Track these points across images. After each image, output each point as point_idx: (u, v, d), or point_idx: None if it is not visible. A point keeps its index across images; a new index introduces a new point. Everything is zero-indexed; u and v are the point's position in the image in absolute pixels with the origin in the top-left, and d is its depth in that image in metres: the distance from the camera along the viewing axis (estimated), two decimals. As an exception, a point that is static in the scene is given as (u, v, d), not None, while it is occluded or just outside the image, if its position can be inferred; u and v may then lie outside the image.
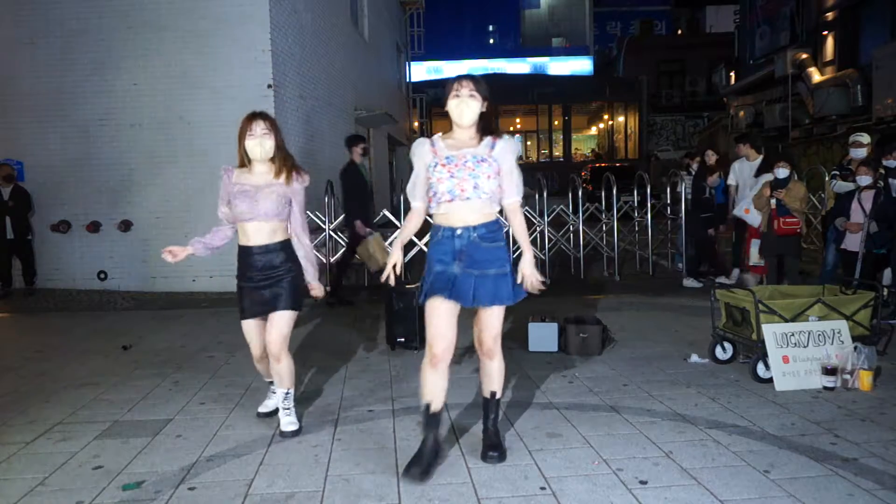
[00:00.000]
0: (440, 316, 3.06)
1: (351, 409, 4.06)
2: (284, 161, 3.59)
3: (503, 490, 2.92)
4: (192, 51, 8.58)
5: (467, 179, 3.00)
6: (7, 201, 8.46)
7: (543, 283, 3.13)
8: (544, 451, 3.33)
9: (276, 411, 3.83)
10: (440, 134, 3.19)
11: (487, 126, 3.13)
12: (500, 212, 3.16)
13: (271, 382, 3.88)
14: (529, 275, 3.08)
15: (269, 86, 8.60)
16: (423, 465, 3.03)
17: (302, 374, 4.82)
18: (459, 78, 3.09)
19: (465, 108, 3.03)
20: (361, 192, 7.47)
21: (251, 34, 8.55)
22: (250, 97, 8.29)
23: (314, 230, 8.95)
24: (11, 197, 8.49)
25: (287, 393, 3.67)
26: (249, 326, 3.67)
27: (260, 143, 3.48)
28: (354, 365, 5.05)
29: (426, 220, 3.28)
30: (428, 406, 3.11)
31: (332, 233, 8.65)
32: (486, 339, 3.16)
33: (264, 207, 3.48)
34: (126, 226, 8.76)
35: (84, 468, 3.27)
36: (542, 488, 2.93)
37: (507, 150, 3.09)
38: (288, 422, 3.67)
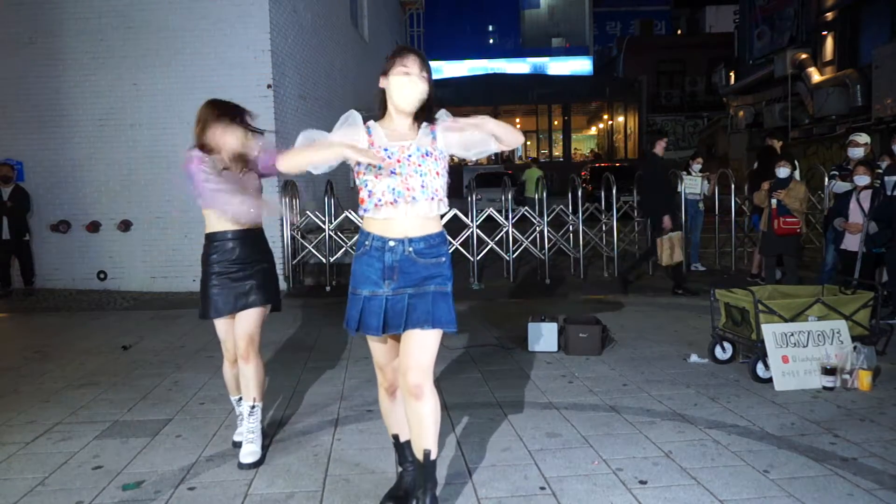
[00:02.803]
0: (380, 347, 2.65)
1: (351, 409, 4.06)
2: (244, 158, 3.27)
3: (503, 490, 2.92)
4: (192, 51, 8.59)
5: (413, 177, 2.47)
6: (6, 202, 8.47)
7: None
8: (544, 451, 3.33)
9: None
10: (373, 122, 2.63)
11: (428, 114, 2.57)
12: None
13: (240, 399, 3.40)
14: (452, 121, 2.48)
15: (269, 86, 8.61)
16: (401, 499, 2.74)
17: (302, 374, 4.83)
18: (406, 52, 2.54)
19: (415, 88, 2.49)
20: (664, 186, 7.74)
21: (250, 34, 8.56)
22: (249, 97, 8.28)
23: (314, 230, 8.95)
24: (10, 197, 8.49)
25: (253, 407, 3.25)
26: (224, 325, 3.32)
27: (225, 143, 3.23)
28: (354, 365, 5.05)
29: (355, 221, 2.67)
30: (396, 437, 2.79)
31: (331, 233, 8.63)
32: (414, 369, 2.46)
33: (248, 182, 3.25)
34: (126, 226, 8.77)
35: (84, 468, 3.27)
36: (542, 488, 2.93)
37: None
38: (249, 451, 3.20)
